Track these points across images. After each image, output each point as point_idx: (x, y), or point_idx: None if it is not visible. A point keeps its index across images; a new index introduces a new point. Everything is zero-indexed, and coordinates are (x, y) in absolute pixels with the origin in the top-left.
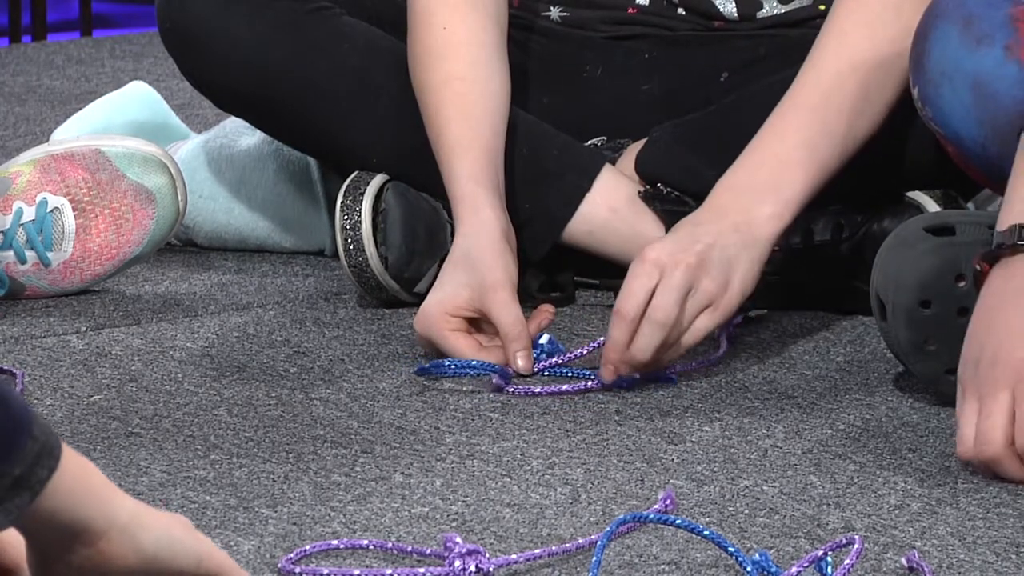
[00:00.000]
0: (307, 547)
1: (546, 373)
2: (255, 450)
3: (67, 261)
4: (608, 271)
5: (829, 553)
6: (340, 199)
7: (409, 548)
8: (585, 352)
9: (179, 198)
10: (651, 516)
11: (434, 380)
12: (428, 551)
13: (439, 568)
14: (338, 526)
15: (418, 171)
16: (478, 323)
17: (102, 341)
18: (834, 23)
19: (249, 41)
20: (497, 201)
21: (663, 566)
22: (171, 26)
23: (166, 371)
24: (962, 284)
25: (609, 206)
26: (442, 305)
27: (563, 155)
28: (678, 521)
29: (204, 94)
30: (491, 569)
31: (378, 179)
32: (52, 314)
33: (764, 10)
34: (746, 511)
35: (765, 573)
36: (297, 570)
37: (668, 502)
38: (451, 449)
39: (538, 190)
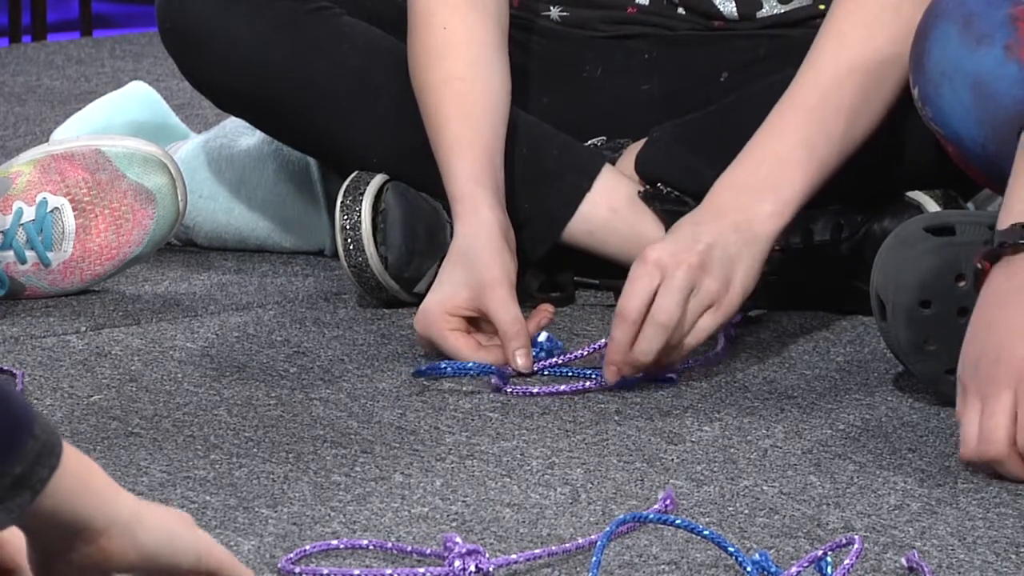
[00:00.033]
0: (307, 547)
1: (546, 372)
2: (255, 450)
3: (67, 261)
4: (608, 271)
5: (829, 553)
6: (340, 199)
7: (409, 548)
8: (585, 353)
9: (179, 198)
10: (651, 516)
11: (434, 380)
12: (428, 551)
13: (439, 568)
14: (338, 526)
15: (418, 171)
16: (477, 322)
17: (102, 341)
18: (832, 23)
19: (249, 41)
20: (496, 200)
21: (663, 566)
22: (171, 26)
23: (166, 371)
24: (962, 284)
25: (609, 206)
26: (441, 305)
27: (563, 155)
28: (678, 521)
29: (204, 94)
30: (491, 569)
31: (378, 179)
32: (52, 314)
33: (764, 10)
34: (746, 511)
35: (765, 573)
36: (297, 570)
37: (668, 502)
38: (451, 449)
39: (538, 190)
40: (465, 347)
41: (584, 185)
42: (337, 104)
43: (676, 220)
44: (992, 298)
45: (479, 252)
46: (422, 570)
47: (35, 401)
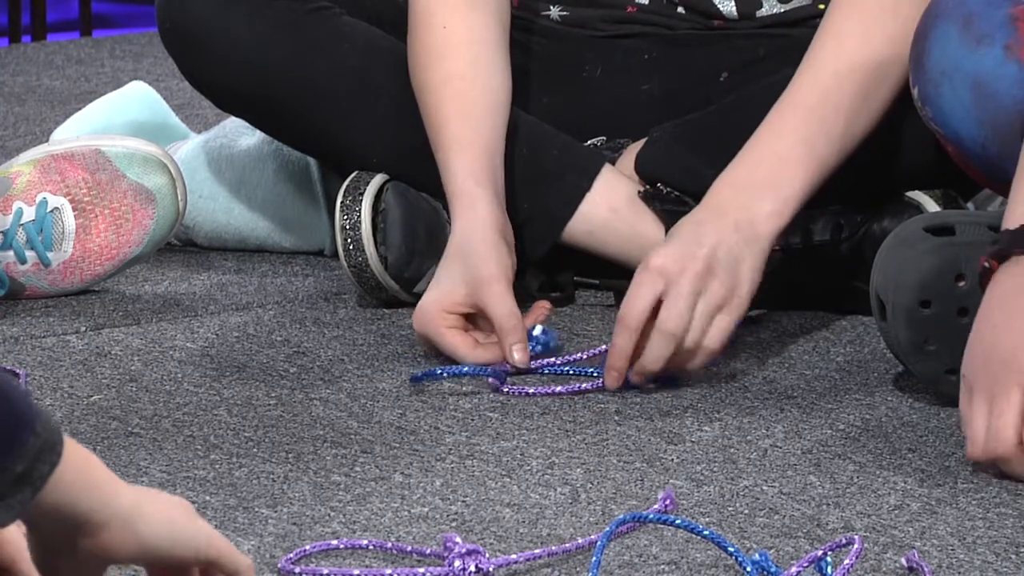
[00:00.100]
0: (307, 547)
1: (546, 372)
2: (255, 450)
3: (67, 261)
4: (608, 271)
5: (829, 553)
6: (340, 199)
7: (409, 548)
8: (584, 357)
9: (179, 198)
10: (651, 516)
11: (433, 381)
12: (428, 551)
13: (439, 568)
14: (338, 526)
15: (418, 171)
16: (475, 320)
17: (102, 341)
18: (830, 24)
19: (249, 41)
20: (494, 197)
21: (663, 566)
22: (171, 26)
23: (166, 371)
24: (962, 284)
25: (609, 206)
26: (439, 302)
27: (563, 155)
28: (678, 521)
29: (204, 94)
30: (491, 569)
31: (378, 179)
32: (52, 314)
33: (764, 9)
34: (746, 511)
35: (765, 573)
36: (297, 570)
37: (668, 502)
38: (451, 449)
39: (538, 190)
40: (462, 344)
41: (584, 185)
42: (337, 104)
43: (676, 220)
44: (999, 298)
45: (476, 248)
46: (422, 570)
47: (35, 401)
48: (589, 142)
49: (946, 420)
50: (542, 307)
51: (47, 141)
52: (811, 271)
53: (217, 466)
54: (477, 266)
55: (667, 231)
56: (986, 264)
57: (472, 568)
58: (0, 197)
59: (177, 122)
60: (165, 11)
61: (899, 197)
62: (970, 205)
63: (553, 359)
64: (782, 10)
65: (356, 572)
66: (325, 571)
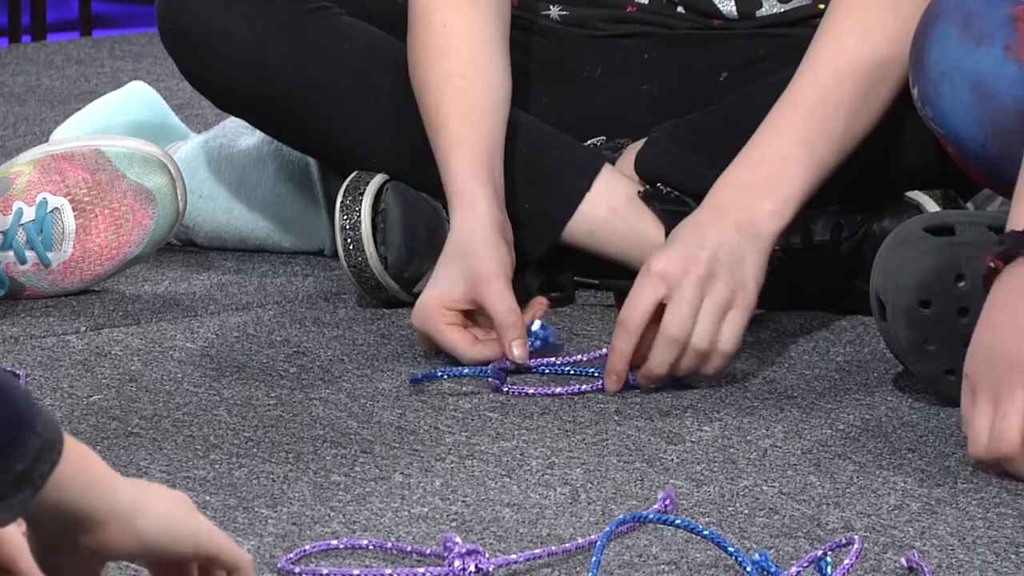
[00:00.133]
0: (307, 547)
1: (546, 372)
2: (255, 450)
3: (67, 261)
4: (608, 271)
5: (829, 553)
6: (340, 199)
7: (409, 548)
8: (584, 359)
9: (179, 198)
10: (651, 516)
11: (432, 382)
12: (428, 551)
13: (439, 568)
14: (338, 526)
15: (418, 171)
16: (474, 317)
17: (102, 341)
18: (830, 23)
19: (249, 41)
20: (493, 195)
21: (663, 566)
22: (171, 26)
23: (166, 371)
24: (962, 284)
25: (609, 206)
26: (438, 299)
27: (563, 155)
28: (678, 521)
29: (204, 94)
30: (491, 569)
31: (378, 179)
32: (52, 314)
33: (763, 8)
34: (746, 511)
35: (765, 573)
36: (297, 570)
37: (668, 502)
38: (450, 449)
39: (538, 190)
40: (462, 341)
41: (584, 185)
42: (337, 104)
43: (676, 220)
44: (1003, 299)
45: (475, 246)
46: (422, 570)
47: (35, 400)
48: (589, 142)
49: (946, 420)
50: (539, 303)
51: (47, 141)
52: (811, 271)
53: (217, 466)
54: (476, 264)
55: (667, 231)
56: (991, 264)
57: (472, 568)
58: (0, 197)
59: (177, 122)
60: (165, 11)
61: (899, 197)
62: (970, 205)
63: (554, 359)
64: (782, 10)
65: (356, 572)
66: (325, 571)
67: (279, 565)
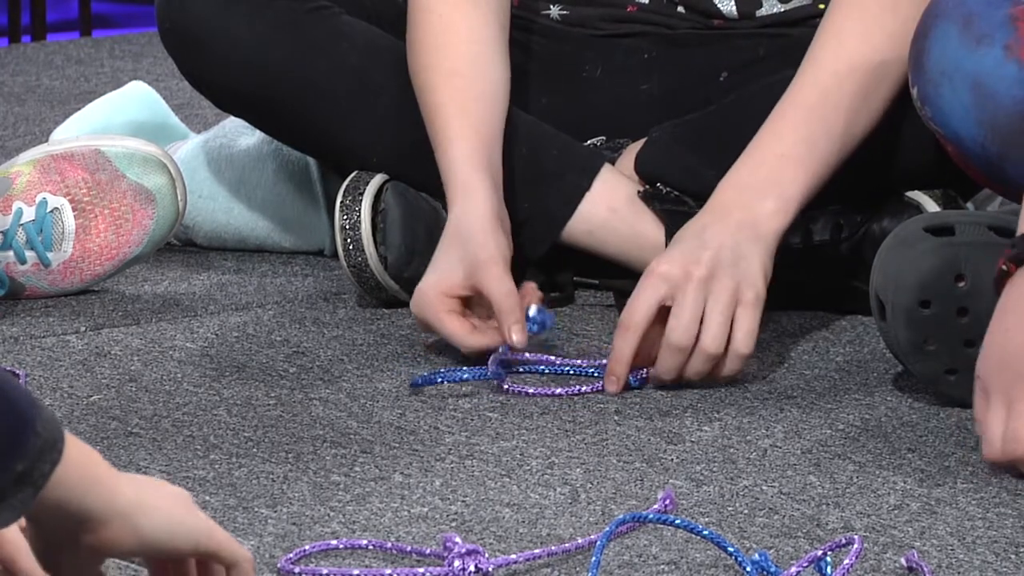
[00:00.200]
0: (306, 547)
1: (547, 371)
2: (255, 450)
3: (67, 261)
4: (608, 271)
5: (828, 553)
6: (339, 199)
7: (408, 548)
8: (584, 364)
9: (179, 198)
10: (650, 516)
11: (432, 386)
12: (428, 551)
13: (439, 568)
14: (337, 526)
15: (418, 170)
16: (472, 305)
17: (102, 341)
18: (831, 23)
19: (249, 41)
20: (491, 183)
21: (663, 566)
22: (171, 26)
23: (166, 371)
24: (962, 284)
25: (609, 206)
26: (437, 286)
27: (563, 155)
28: (677, 521)
29: (204, 94)
30: (491, 569)
31: (377, 179)
32: (52, 314)
33: (763, 8)
34: (745, 511)
35: (764, 573)
36: (296, 570)
37: (668, 502)
38: (450, 449)
39: (538, 190)
40: (460, 329)
41: (584, 185)
42: (337, 104)
43: (676, 220)
44: (1015, 301)
45: (473, 233)
46: (422, 570)
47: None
48: (589, 142)
49: (946, 420)
50: (530, 288)
51: (47, 141)
52: (811, 271)
53: (217, 466)
54: (475, 249)
55: (667, 231)
56: (1003, 267)
57: (472, 568)
58: (0, 197)
59: (177, 122)
60: (165, 11)
61: (899, 197)
62: (970, 205)
63: (554, 360)
64: (782, 10)
65: (356, 572)
66: (325, 571)
67: (279, 565)
